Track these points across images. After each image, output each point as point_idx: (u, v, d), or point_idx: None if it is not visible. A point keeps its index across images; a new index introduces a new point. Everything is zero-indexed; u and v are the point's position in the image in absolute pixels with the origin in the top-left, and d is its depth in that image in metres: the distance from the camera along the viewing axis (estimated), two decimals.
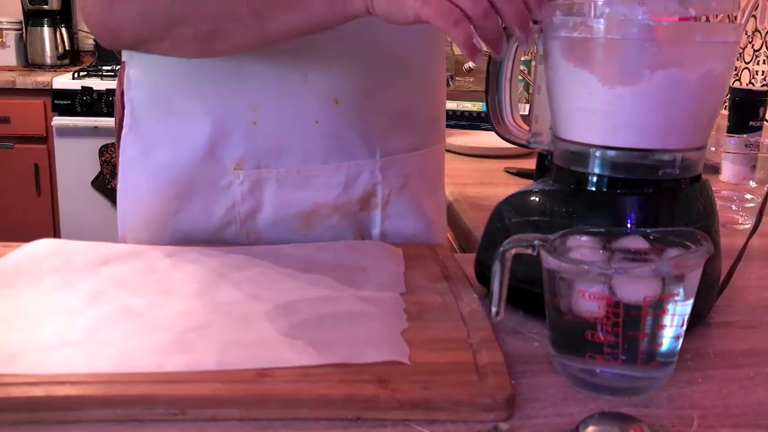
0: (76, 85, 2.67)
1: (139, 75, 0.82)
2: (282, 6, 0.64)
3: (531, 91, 0.71)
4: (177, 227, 0.82)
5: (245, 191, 0.80)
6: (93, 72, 2.77)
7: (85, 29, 3.25)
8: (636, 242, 0.54)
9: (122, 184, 0.84)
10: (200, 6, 0.66)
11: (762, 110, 1.34)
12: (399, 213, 0.86)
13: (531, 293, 0.60)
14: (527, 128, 0.72)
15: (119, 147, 0.86)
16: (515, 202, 0.67)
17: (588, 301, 0.50)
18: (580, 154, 0.62)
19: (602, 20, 0.58)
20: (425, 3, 0.57)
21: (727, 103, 1.36)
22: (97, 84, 2.67)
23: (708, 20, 0.64)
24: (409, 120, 0.87)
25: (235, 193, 0.80)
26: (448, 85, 2.47)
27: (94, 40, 3.15)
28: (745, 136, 1.31)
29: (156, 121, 0.82)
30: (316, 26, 0.65)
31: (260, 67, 0.77)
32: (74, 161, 2.70)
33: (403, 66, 0.84)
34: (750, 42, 1.64)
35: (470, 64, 2.36)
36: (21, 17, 3.09)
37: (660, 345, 0.51)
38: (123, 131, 0.83)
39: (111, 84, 2.65)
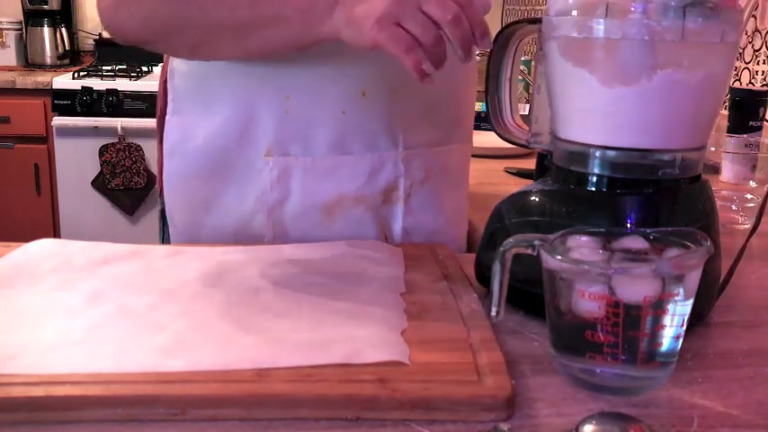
0: (76, 85, 2.66)
1: (181, 65, 0.87)
2: (261, 26, 0.71)
3: (531, 91, 0.71)
4: (215, 211, 0.87)
5: (273, 178, 0.84)
6: (93, 72, 2.77)
7: (85, 29, 3.26)
8: (636, 242, 0.53)
9: (167, 166, 0.89)
10: (190, 20, 0.73)
11: (762, 110, 1.34)
12: (421, 208, 0.89)
13: (531, 293, 0.60)
14: (527, 128, 0.72)
15: (160, 133, 0.92)
16: (515, 202, 0.67)
17: (588, 301, 0.50)
18: (580, 154, 0.62)
19: (602, 20, 0.58)
20: (380, 29, 0.62)
21: (727, 103, 1.36)
22: (97, 84, 2.67)
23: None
24: (432, 115, 0.89)
25: (264, 181, 0.84)
26: None
27: (95, 40, 3.16)
28: (745, 136, 1.31)
29: (196, 108, 0.87)
30: (292, 46, 0.72)
31: (293, 60, 0.81)
32: (74, 161, 2.70)
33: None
34: (750, 42, 1.65)
35: None
36: (21, 17, 3.09)
37: (660, 345, 0.51)
38: (167, 117, 0.89)
39: (111, 84, 2.65)
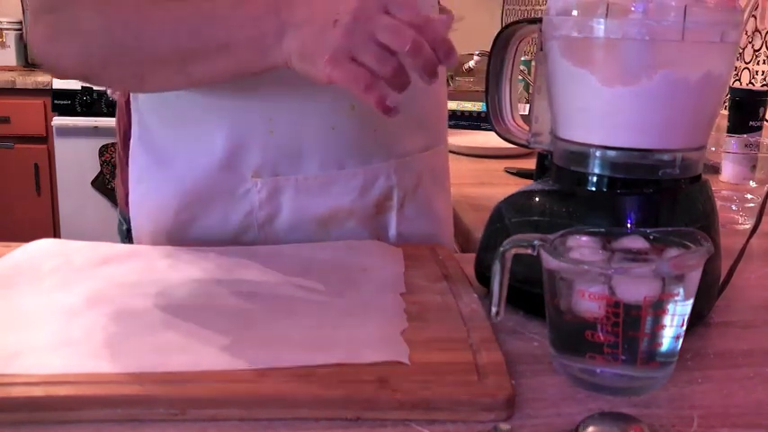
0: (76, 85, 2.66)
1: None
2: (206, 54, 0.65)
3: (531, 91, 0.71)
4: (195, 234, 0.82)
5: (263, 198, 0.80)
6: None
7: None
8: (636, 242, 0.54)
9: (134, 195, 0.84)
10: (129, 51, 0.68)
11: (762, 110, 1.34)
12: (414, 215, 0.88)
13: (531, 293, 0.60)
14: (527, 128, 0.72)
15: (123, 153, 0.86)
16: (515, 202, 0.67)
17: (588, 301, 0.50)
18: (580, 154, 0.62)
19: (602, 20, 0.58)
20: (335, 66, 0.58)
21: (727, 103, 1.36)
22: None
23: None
24: (420, 119, 0.88)
25: (253, 200, 0.80)
26: (448, 84, 2.47)
27: None
28: (745, 136, 1.31)
29: (168, 132, 0.82)
30: (240, 73, 0.67)
31: (275, 76, 0.76)
32: (74, 161, 2.70)
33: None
34: (750, 42, 1.65)
35: (471, 64, 2.36)
36: (21, 17, 3.09)
37: (660, 345, 0.51)
38: (132, 141, 0.83)
39: None
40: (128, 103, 0.85)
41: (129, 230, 0.91)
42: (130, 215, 0.86)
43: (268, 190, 0.80)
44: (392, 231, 0.87)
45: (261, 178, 0.79)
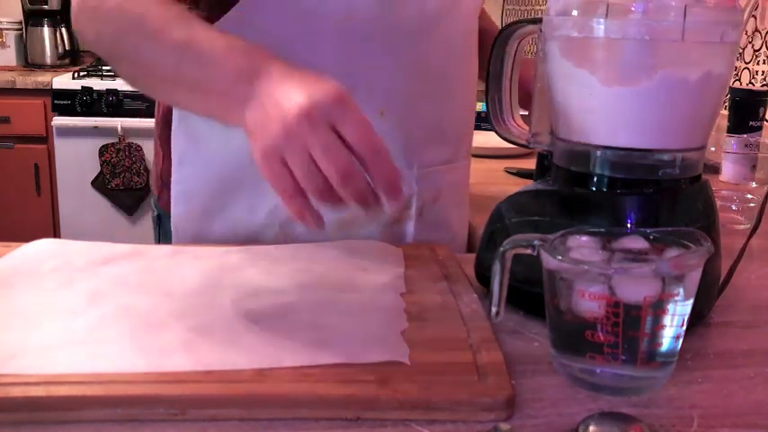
0: (76, 85, 2.66)
1: None
2: (184, 87, 0.66)
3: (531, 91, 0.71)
4: (224, 223, 0.85)
5: None
6: (93, 72, 2.77)
7: None
8: (636, 242, 0.54)
9: (177, 175, 0.87)
10: (127, 53, 0.70)
11: (762, 110, 1.34)
12: (430, 227, 0.89)
13: (531, 293, 0.60)
14: (527, 128, 0.72)
15: (162, 138, 0.89)
16: (515, 202, 0.67)
17: (588, 301, 0.50)
18: (580, 154, 0.62)
19: (602, 20, 0.58)
20: (264, 162, 0.55)
21: (727, 103, 1.36)
22: (97, 84, 2.67)
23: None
24: (444, 132, 0.89)
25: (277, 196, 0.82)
26: None
27: None
28: (745, 136, 1.31)
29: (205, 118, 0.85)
30: (208, 116, 0.68)
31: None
32: (74, 161, 2.69)
33: (443, 79, 0.87)
34: (750, 42, 1.64)
35: None
36: (21, 17, 3.09)
37: (660, 345, 0.51)
38: (174, 124, 0.86)
39: (111, 84, 2.65)
40: None
41: (159, 217, 0.92)
42: (172, 198, 0.88)
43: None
44: (408, 239, 0.88)
45: None
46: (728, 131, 1.34)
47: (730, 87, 1.38)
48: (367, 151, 0.54)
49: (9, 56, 3.09)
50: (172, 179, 0.87)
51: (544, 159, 0.70)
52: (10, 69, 3.00)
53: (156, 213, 0.94)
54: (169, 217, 0.88)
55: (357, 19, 0.77)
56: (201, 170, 0.85)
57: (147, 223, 2.74)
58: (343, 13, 0.77)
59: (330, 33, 0.78)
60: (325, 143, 0.53)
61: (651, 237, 0.54)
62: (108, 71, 2.75)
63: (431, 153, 0.87)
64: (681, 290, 0.50)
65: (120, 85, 2.65)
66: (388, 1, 0.78)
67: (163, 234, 0.93)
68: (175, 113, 0.86)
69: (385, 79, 0.81)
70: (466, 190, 0.98)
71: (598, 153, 0.61)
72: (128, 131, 2.65)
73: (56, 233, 2.78)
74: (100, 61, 2.98)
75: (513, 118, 0.74)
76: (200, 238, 0.86)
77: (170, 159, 0.87)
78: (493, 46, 0.72)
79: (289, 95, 0.56)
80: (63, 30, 3.09)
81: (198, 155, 0.85)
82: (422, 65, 0.83)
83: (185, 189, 0.86)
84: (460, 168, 0.94)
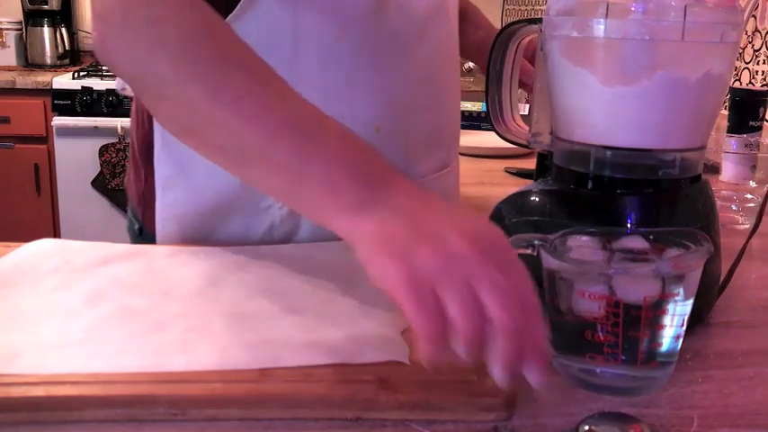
0: (76, 85, 2.66)
1: None
2: (267, 163, 0.54)
3: (531, 91, 0.71)
4: (216, 245, 0.80)
5: (284, 214, 0.80)
6: (93, 72, 2.77)
7: (85, 29, 3.25)
8: (636, 242, 0.53)
9: (162, 201, 0.83)
10: (189, 100, 0.56)
11: (762, 110, 1.34)
12: None
13: None
14: (527, 128, 0.72)
15: (142, 158, 0.85)
16: (515, 202, 0.67)
17: (588, 301, 0.50)
18: (580, 154, 0.62)
19: (602, 20, 0.58)
20: (410, 290, 0.44)
21: (727, 103, 1.36)
22: (97, 84, 2.67)
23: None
24: (439, 138, 0.89)
25: (274, 216, 0.80)
26: None
27: None
28: (745, 136, 1.31)
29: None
30: (280, 198, 0.58)
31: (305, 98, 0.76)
32: (74, 161, 2.69)
33: (434, 85, 0.86)
34: (750, 42, 1.64)
35: (470, 64, 2.36)
36: (21, 17, 3.09)
37: (660, 345, 0.51)
38: (156, 148, 0.81)
39: (111, 84, 2.65)
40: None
41: (141, 230, 0.90)
42: (157, 221, 0.84)
43: (289, 209, 0.79)
44: None
45: None
46: (728, 131, 1.34)
47: (730, 87, 1.38)
48: (528, 309, 0.45)
49: (9, 56, 3.09)
50: (157, 203, 0.83)
51: (544, 159, 0.70)
52: (10, 69, 3.00)
53: (136, 226, 0.90)
54: (152, 234, 0.85)
55: (348, 36, 0.75)
56: (190, 196, 0.81)
57: None
58: (337, 30, 0.75)
59: (323, 53, 0.75)
60: (498, 281, 0.44)
61: (651, 237, 0.54)
62: (108, 71, 2.76)
63: (427, 162, 0.87)
64: (681, 290, 0.50)
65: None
66: (379, 11, 0.76)
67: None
68: (157, 136, 0.81)
69: (379, 94, 0.79)
70: (457, 191, 0.98)
71: (598, 153, 0.61)
72: (128, 131, 2.63)
73: (56, 233, 2.78)
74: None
75: (513, 118, 0.74)
76: None
77: (153, 181, 0.83)
78: (493, 46, 0.72)
79: (446, 217, 0.49)
80: (63, 30, 3.09)
81: (185, 181, 0.81)
82: (414, 73, 0.82)
83: (173, 214, 0.83)
84: (453, 170, 0.93)
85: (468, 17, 1.06)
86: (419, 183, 0.84)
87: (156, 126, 0.81)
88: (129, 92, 0.96)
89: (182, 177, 0.81)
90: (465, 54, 1.03)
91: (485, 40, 1.09)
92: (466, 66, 2.41)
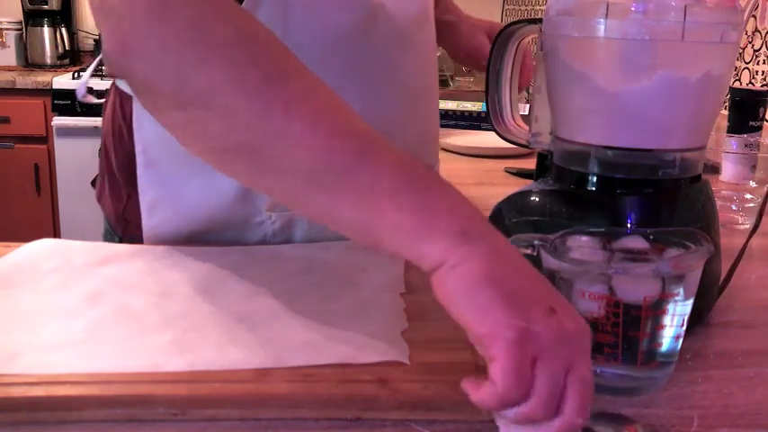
0: (76, 85, 2.66)
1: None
2: (339, 190, 0.48)
3: (531, 91, 0.71)
4: None
5: (276, 228, 0.80)
6: (94, 72, 2.77)
7: (85, 28, 3.25)
8: (636, 242, 0.53)
9: (148, 223, 0.80)
10: (255, 111, 0.48)
11: (762, 110, 1.34)
12: None
13: None
14: (527, 128, 0.72)
15: (119, 174, 0.83)
16: (515, 202, 0.67)
17: (588, 301, 0.50)
18: (580, 154, 0.62)
19: (602, 20, 0.58)
20: (512, 345, 0.41)
21: (727, 103, 1.36)
22: (97, 84, 2.66)
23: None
24: (425, 145, 0.88)
25: (266, 230, 0.80)
26: (448, 85, 2.48)
27: (95, 40, 3.15)
28: (745, 136, 1.31)
29: (179, 163, 0.77)
30: (340, 231, 0.50)
31: None
32: (74, 161, 2.69)
33: (420, 92, 0.85)
34: (750, 42, 1.64)
35: None
36: (21, 17, 3.09)
37: (660, 345, 0.51)
38: (138, 171, 0.79)
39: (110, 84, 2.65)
40: (129, 129, 0.79)
41: (121, 240, 0.88)
42: (144, 240, 0.81)
43: (282, 222, 0.80)
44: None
45: (275, 212, 0.79)
46: (728, 131, 1.34)
47: (730, 87, 1.38)
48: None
49: (9, 56, 3.09)
50: (143, 223, 0.80)
51: (544, 159, 0.70)
52: (10, 69, 3.00)
53: (117, 239, 0.88)
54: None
55: (338, 53, 0.74)
56: (178, 215, 0.79)
57: None
58: (326, 48, 0.72)
59: (313, 70, 0.71)
60: (585, 377, 0.42)
61: (651, 237, 0.54)
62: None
63: None
64: (681, 290, 0.50)
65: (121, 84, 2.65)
66: (368, 27, 0.75)
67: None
68: (140, 159, 0.78)
69: (369, 108, 0.74)
70: None
71: (598, 153, 0.61)
72: None
73: (56, 233, 2.78)
74: (100, 61, 2.98)
75: (513, 118, 0.74)
76: None
77: (136, 200, 0.80)
78: (493, 46, 0.72)
79: (547, 284, 0.46)
80: (63, 30, 3.09)
81: (172, 202, 0.78)
82: (401, 83, 0.81)
83: (160, 233, 0.80)
84: (435, 167, 0.93)
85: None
86: None
87: (139, 147, 0.78)
88: (92, 99, 0.95)
89: (169, 200, 0.79)
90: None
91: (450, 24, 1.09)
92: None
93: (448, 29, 1.09)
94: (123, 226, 0.85)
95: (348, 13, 0.73)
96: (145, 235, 0.81)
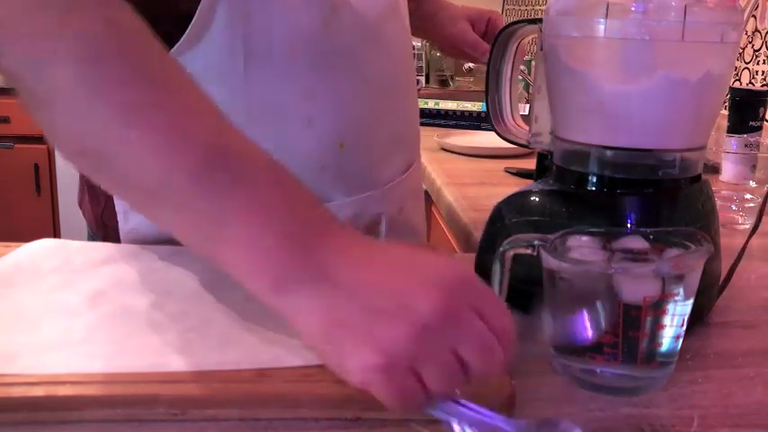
0: None
1: None
2: (184, 211, 0.46)
3: (530, 91, 0.71)
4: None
5: None
6: None
7: None
8: (636, 242, 0.54)
9: (125, 227, 0.79)
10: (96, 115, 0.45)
11: (762, 110, 1.34)
12: (399, 235, 0.87)
13: (530, 293, 0.60)
14: (527, 128, 0.72)
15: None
16: (515, 202, 0.67)
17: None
18: (580, 154, 0.62)
19: (602, 20, 0.58)
20: (385, 376, 0.41)
21: (727, 103, 1.36)
22: None
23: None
24: (402, 141, 0.87)
25: None
26: (448, 85, 2.48)
27: None
28: (745, 136, 1.31)
29: None
30: (194, 251, 0.49)
31: (265, 116, 0.72)
32: None
33: (394, 87, 0.84)
34: (750, 42, 1.64)
35: (470, 64, 2.36)
36: None
37: (660, 345, 0.51)
38: None
39: None
40: None
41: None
42: (122, 241, 0.80)
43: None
44: None
45: None
46: (728, 131, 1.34)
47: (730, 87, 1.38)
48: (508, 341, 0.44)
49: None
50: (119, 227, 0.79)
51: (544, 159, 0.70)
52: None
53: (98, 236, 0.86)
54: None
55: (301, 51, 0.72)
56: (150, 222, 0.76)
57: None
58: (289, 47, 0.71)
59: (276, 71, 0.71)
60: (481, 336, 0.42)
61: (651, 237, 0.54)
62: None
63: (392, 166, 0.85)
64: (681, 290, 0.50)
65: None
66: (330, 23, 0.73)
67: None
68: None
69: (340, 108, 0.76)
70: (421, 189, 0.97)
71: (598, 153, 0.61)
72: None
73: (56, 233, 2.78)
74: None
75: (513, 118, 0.74)
76: None
77: (111, 203, 0.79)
78: (493, 46, 0.72)
79: (401, 273, 0.43)
80: None
81: None
82: (372, 79, 0.79)
83: (137, 237, 0.78)
84: (415, 168, 0.92)
85: None
86: (388, 188, 0.84)
87: None
88: None
89: None
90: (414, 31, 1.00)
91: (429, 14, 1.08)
92: (466, 66, 2.41)
93: (427, 20, 1.08)
94: (103, 230, 0.83)
95: (310, 9, 0.72)
96: (122, 239, 0.80)
